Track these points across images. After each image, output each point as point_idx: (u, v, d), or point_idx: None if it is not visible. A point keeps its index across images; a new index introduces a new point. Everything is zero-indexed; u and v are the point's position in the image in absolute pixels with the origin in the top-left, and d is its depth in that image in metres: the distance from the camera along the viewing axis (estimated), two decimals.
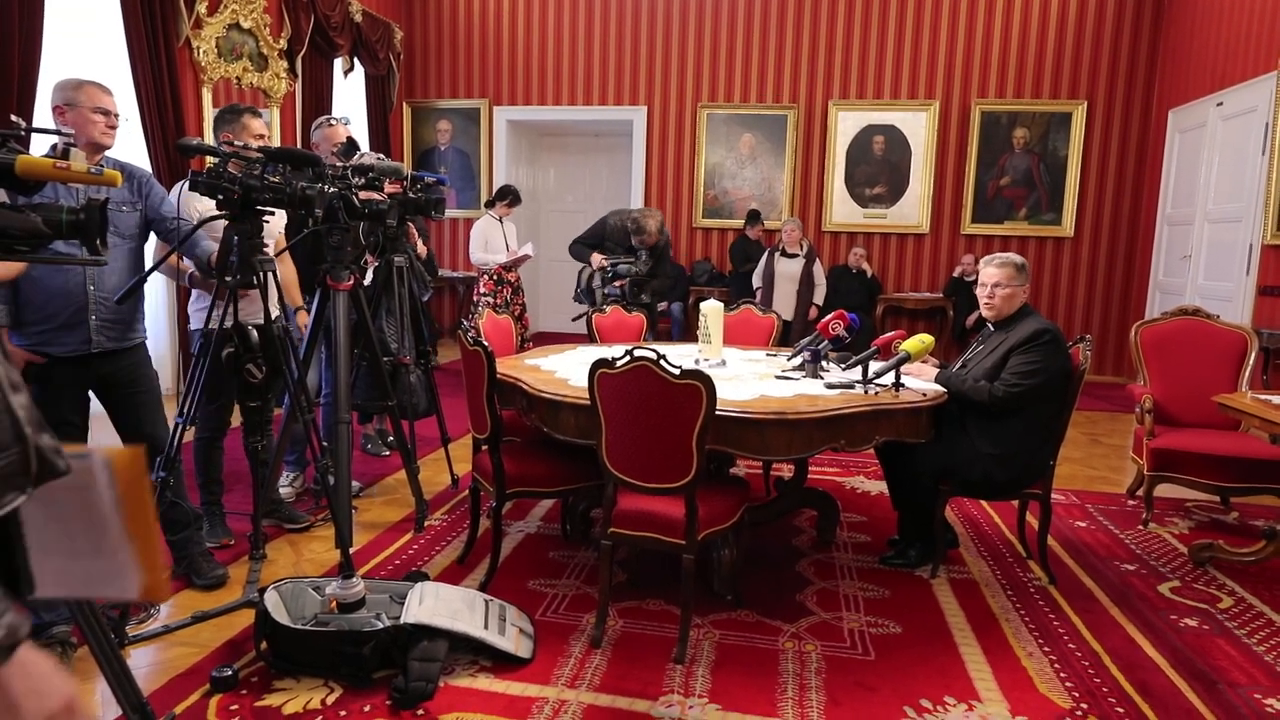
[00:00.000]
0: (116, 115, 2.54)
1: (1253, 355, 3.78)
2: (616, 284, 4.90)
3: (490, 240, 5.98)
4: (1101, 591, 2.98)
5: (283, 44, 6.46)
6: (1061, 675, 2.38)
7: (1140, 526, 3.69)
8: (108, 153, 2.58)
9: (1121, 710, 2.21)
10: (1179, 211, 6.84)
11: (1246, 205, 5.71)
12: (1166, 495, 4.00)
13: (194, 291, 3.15)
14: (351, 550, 2.50)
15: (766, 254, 7.07)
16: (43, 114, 2.58)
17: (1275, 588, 3.04)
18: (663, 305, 7.59)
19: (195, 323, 3.12)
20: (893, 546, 3.25)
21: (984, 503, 3.91)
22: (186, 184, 3.07)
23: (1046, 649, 2.54)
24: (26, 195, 1.60)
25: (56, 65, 4.33)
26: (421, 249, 4.48)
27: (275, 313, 2.60)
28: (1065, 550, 3.38)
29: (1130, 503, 4.03)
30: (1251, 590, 3.01)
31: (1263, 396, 3.13)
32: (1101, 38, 7.46)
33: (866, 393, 2.74)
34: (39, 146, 1.85)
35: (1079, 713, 2.19)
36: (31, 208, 1.57)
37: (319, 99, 6.99)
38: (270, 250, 2.60)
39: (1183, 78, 6.87)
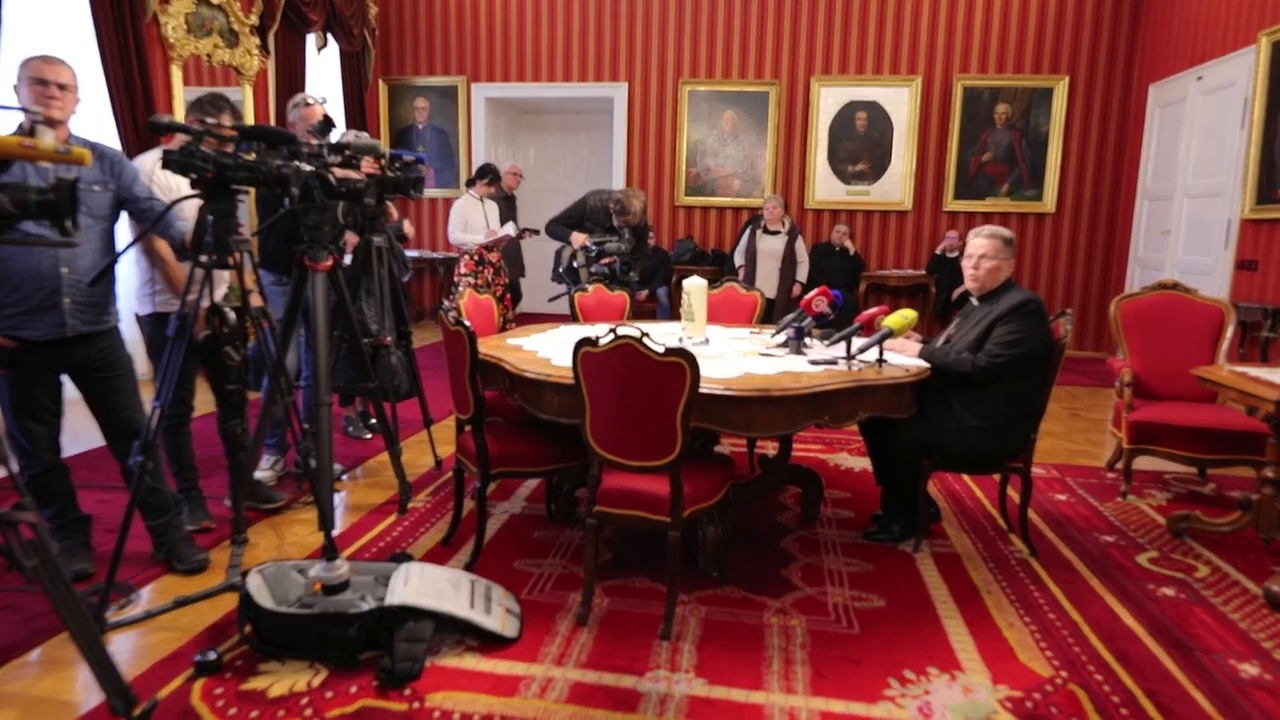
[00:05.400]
0: (61, 86, 2.45)
1: (1230, 329, 3.82)
2: (604, 261, 4.87)
3: (470, 220, 5.92)
4: (1081, 563, 3.02)
5: (254, 20, 6.32)
6: (1042, 645, 2.41)
7: (1119, 499, 3.74)
8: (86, 136, 2.53)
9: (1100, 678, 2.25)
10: (1159, 186, 6.88)
11: (1226, 180, 5.75)
12: (1145, 468, 4.06)
13: (140, 275, 3.06)
14: (335, 533, 2.48)
15: (749, 231, 7.04)
16: (4, 93, 2.53)
17: (1250, 557, 3.09)
18: (644, 292, 7.57)
19: (139, 307, 3.06)
20: (876, 522, 3.28)
21: (966, 477, 3.95)
22: (148, 157, 2.99)
23: (1027, 620, 2.57)
24: None
25: (20, 44, 4.21)
26: (405, 226, 4.42)
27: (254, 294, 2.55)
28: (1046, 523, 3.42)
29: (1109, 475, 4.08)
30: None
31: (1240, 369, 3.17)
32: (1082, 13, 7.45)
33: (850, 369, 2.74)
34: (8, 127, 1.82)
35: (1059, 681, 2.22)
36: None
37: (292, 77, 6.86)
38: (246, 231, 2.54)
39: (1163, 52, 6.89)
